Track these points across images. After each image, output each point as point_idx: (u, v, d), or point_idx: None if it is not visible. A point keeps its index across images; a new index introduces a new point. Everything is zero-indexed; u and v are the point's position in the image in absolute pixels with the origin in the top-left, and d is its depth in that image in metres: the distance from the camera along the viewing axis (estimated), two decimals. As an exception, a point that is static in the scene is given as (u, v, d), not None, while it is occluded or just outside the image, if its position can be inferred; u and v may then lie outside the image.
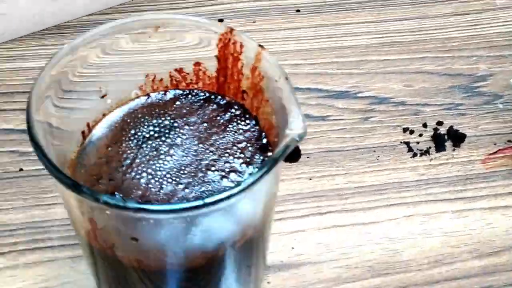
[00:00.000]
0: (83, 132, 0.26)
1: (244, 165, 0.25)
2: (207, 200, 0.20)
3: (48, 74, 0.23)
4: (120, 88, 0.27)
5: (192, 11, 0.49)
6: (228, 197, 0.20)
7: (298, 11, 0.50)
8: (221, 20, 0.48)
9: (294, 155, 0.40)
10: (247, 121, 0.27)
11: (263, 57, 0.25)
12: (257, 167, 0.25)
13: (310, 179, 0.38)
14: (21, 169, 0.37)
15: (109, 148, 0.26)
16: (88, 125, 0.26)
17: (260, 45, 0.25)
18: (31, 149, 0.38)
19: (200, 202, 0.20)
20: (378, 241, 0.36)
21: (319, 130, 0.41)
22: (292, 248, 0.35)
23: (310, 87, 0.44)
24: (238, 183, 0.21)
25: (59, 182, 0.21)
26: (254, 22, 0.48)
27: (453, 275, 0.34)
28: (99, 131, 0.27)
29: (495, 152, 0.41)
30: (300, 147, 0.40)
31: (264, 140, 0.26)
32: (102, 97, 0.26)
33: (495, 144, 0.41)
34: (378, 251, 0.35)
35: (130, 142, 0.26)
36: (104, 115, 0.27)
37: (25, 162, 0.38)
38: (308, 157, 0.40)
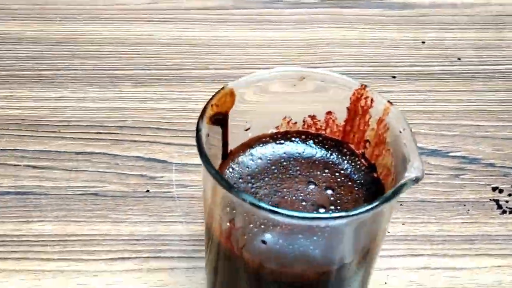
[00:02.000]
0: (225, 153, 0.31)
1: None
2: (333, 215, 0.24)
3: (214, 101, 0.29)
4: (261, 125, 0.32)
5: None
6: (353, 215, 0.24)
7: (394, 77, 0.55)
8: (323, 81, 0.54)
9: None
10: (367, 170, 0.31)
11: (391, 111, 0.29)
12: (373, 202, 0.27)
13: (403, 224, 0.41)
14: (147, 191, 0.43)
15: (240, 171, 0.30)
16: (231, 150, 0.31)
17: (389, 101, 0.29)
18: (157, 174, 0.45)
19: (327, 215, 0.24)
20: (467, 286, 0.38)
21: (412, 182, 0.45)
22: (385, 283, 0.38)
23: (404, 144, 0.48)
24: (361, 206, 0.24)
25: (215, 182, 0.25)
26: (353, 84, 0.54)
27: (542, 326, 0.36)
28: (235, 155, 0.31)
29: None
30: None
31: (379, 186, 0.30)
32: (246, 129, 0.32)
33: None
34: (468, 294, 0.37)
35: (261, 169, 0.30)
36: (243, 144, 0.32)
37: (151, 185, 0.43)
38: (401, 205, 0.43)
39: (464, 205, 0.43)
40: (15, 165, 0.45)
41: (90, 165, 0.45)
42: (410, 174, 0.25)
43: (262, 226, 0.26)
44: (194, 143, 0.46)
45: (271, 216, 0.24)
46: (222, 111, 0.29)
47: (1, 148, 0.46)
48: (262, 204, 0.24)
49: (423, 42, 0.59)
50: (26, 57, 0.55)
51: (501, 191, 0.44)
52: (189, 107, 0.50)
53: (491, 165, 0.46)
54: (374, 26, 0.61)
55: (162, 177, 0.44)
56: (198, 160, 0.46)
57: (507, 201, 0.43)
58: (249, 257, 0.27)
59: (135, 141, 0.47)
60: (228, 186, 0.25)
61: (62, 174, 0.44)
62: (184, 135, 0.48)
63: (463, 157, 0.47)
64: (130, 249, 0.39)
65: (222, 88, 0.29)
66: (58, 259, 0.38)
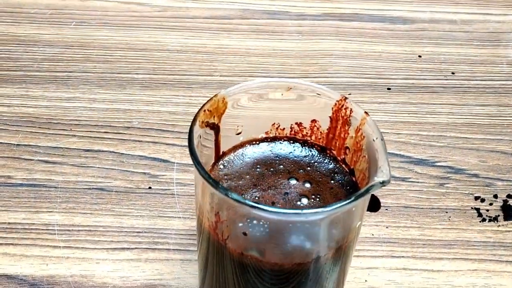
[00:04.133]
0: (218, 155, 0.34)
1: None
2: (305, 211, 0.27)
3: (207, 106, 0.32)
4: (251, 130, 0.35)
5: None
6: (322, 212, 0.27)
7: (389, 89, 0.57)
8: (321, 90, 0.57)
9: (375, 206, 0.46)
10: (346, 173, 0.34)
11: (367, 122, 0.32)
12: (344, 200, 0.30)
13: (387, 227, 0.44)
14: (150, 187, 0.46)
15: (231, 170, 0.33)
16: (223, 151, 0.34)
17: (365, 112, 0.32)
18: (159, 172, 0.48)
19: (299, 211, 0.27)
20: (442, 287, 0.40)
21: (398, 189, 0.47)
22: (365, 280, 0.40)
23: (394, 152, 0.51)
24: (331, 204, 0.27)
25: (203, 179, 0.28)
26: (349, 94, 0.56)
27: (511, 326, 0.38)
28: (227, 156, 0.34)
29: (561, 228, 0.44)
30: (381, 201, 0.46)
31: (356, 188, 0.32)
32: (238, 133, 0.34)
33: (561, 220, 0.45)
34: (442, 295, 0.40)
35: (250, 169, 0.33)
36: (234, 146, 0.35)
37: (153, 182, 0.47)
38: (386, 209, 0.45)
39: (446, 212, 0.46)
40: (28, 159, 0.48)
41: (97, 162, 0.48)
42: (379, 178, 0.28)
43: (243, 219, 0.29)
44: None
45: (251, 210, 0.27)
46: (215, 116, 0.32)
47: (16, 143, 0.49)
48: (242, 200, 0.27)
49: (420, 56, 0.62)
50: (41, 59, 0.58)
51: (482, 200, 0.47)
52: (191, 111, 0.53)
53: (475, 175, 0.49)
54: (373, 39, 0.64)
55: (164, 175, 0.47)
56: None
57: (487, 210, 0.46)
58: (232, 247, 0.30)
59: (140, 141, 0.50)
60: (214, 183, 0.28)
61: (72, 169, 0.47)
62: (186, 137, 0.50)
63: (449, 167, 0.49)
64: (130, 241, 0.42)
65: (215, 95, 0.32)
66: (64, 247, 0.42)
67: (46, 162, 0.48)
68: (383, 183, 0.28)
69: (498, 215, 0.45)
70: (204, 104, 0.32)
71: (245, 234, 0.29)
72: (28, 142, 0.49)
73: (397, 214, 0.45)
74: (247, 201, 0.27)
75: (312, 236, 0.29)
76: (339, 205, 0.27)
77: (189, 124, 0.53)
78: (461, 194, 0.47)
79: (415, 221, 0.45)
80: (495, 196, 0.47)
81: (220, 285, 0.33)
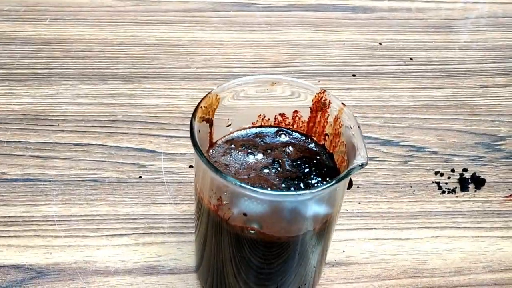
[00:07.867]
0: (210, 144, 0.38)
1: (319, 183, 0.36)
2: (299, 192, 0.31)
3: (203, 103, 0.35)
4: (240, 121, 0.39)
5: (269, 70, 0.62)
6: (314, 192, 0.31)
7: (354, 75, 0.62)
8: (292, 79, 0.61)
9: (348, 184, 0.51)
10: (326, 157, 0.38)
11: (344, 112, 0.36)
12: (331, 181, 0.34)
13: (359, 203, 0.49)
14: (140, 177, 0.49)
15: (224, 156, 0.37)
16: (215, 141, 0.38)
17: (342, 103, 0.37)
18: (147, 162, 0.51)
19: (294, 192, 0.31)
20: (411, 253, 0.45)
21: (367, 167, 0.52)
22: (343, 251, 0.45)
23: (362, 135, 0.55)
24: (317, 186, 0.31)
25: (208, 168, 0.32)
26: (318, 81, 0.61)
27: (469, 283, 0.44)
28: (219, 145, 0.38)
29: (510, 196, 0.50)
30: (353, 179, 0.51)
31: (334, 169, 0.37)
32: (228, 126, 0.38)
33: (509, 190, 0.51)
34: (410, 260, 0.45)
35: (240, 154, 0.37)
36: (224, 136, 0.38)
37: (143, 172, 0.50)
38: (358, 187, 0.50)
39: (411, 187, 0.51)
40: (20, 155, 0.50)
41: (88, 155, 0.51)
42: (358, 161, 0.32)
43: (242, 201, 0.33)
44: (180, 135, 0.53)
45: (249, 193, 0.31)
46: (209, 111, 0.36)
47: (7, 140, 0.51)
48: (244, 185, 0.31)
49: (380, 44, 0.67)
50: (20, 56, 0.60)
51: (441, 174, 0.52)
52: (173, 103, 0.57)
53: (435, 152, 0.54)
54: (337, 28, 0.68)
55: (152, 165, 0.50)
56: (184, 150, 0.53)
57: (446, 183, 0.51)
58: (233, 225, 0.33)
59: (126, 133, 0.53)
60: (216, 170, 0.31)
61: (64, 163, 0.50)
62: (170, 128, 0.54)
63: (412, 146, 0.55)
64: (127, 227, 0.46)
65: (209, 93, 0.36)
66: (65, 236, 0.45)
67: (38, 157, 0.50)
68: (362, 166, 0.32)
69: (456, 187, 0.51)
70: (200, 102, 0.35)
71: (245, 214, 0.33)
72: (18, 139, 0.52)
73: (368, 191, 0.50)
74: (247, 186, 0.31)
75: (303, 212, 0.33)
76: (327, 186, 0.31)
77: (172, 115, 0.56)
78: (423, 170, 0.52)
79: (384, 196, 0.50)
80: (452, 170, 0.52)
81: (217, 262, 0.37)
